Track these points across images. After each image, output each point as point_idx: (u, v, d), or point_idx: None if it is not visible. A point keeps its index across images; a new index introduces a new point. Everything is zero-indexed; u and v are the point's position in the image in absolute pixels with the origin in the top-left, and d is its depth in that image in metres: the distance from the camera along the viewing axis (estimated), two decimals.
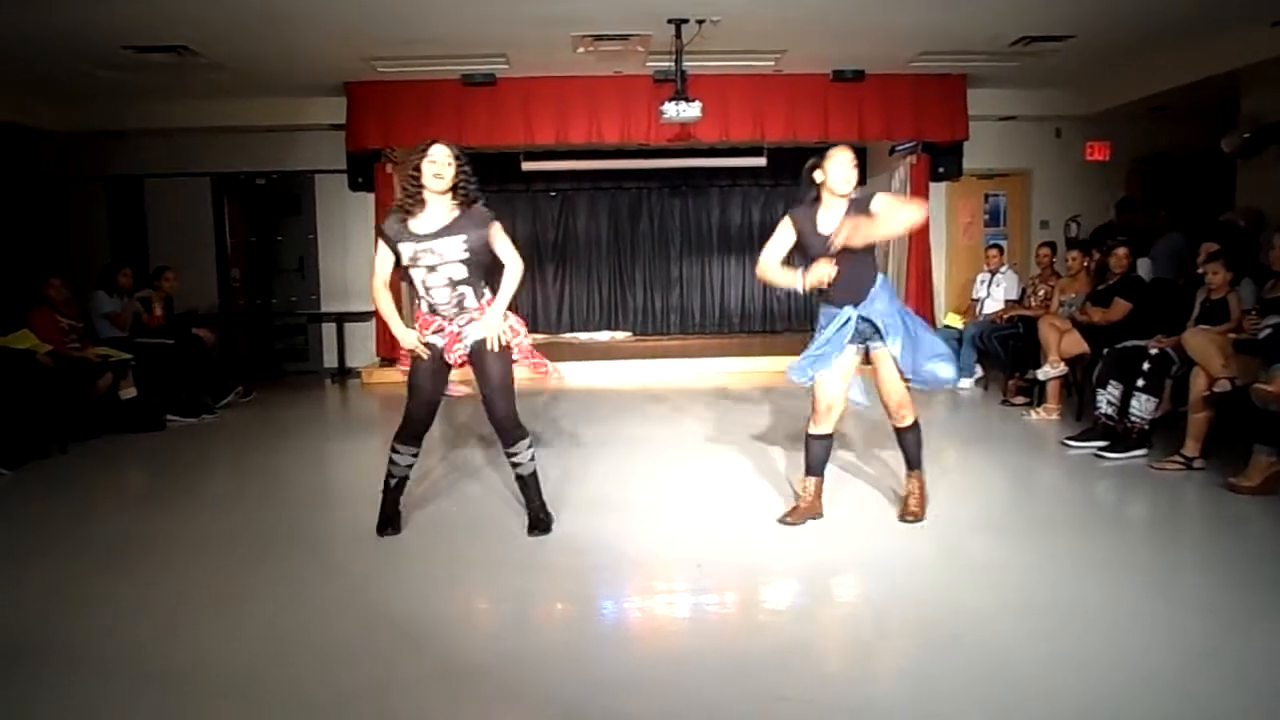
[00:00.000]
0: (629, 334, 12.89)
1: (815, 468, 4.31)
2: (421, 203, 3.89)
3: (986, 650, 2.96)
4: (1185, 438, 5.14)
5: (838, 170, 3.97)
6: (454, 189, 3.89)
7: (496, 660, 3.00)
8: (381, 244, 3.97)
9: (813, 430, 4.25)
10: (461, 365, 4.09)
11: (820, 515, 4.33)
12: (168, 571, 3.88)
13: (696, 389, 8.71)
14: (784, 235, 4.11)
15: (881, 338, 4.05)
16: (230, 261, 10.52)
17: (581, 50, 8.02)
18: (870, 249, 4.05)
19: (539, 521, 4.23)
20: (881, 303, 4.05)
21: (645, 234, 12.98)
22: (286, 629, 3.25)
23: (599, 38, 7.68)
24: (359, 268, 10.15)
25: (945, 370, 4.13)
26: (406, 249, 3.89)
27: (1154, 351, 5.42)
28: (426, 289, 3.96)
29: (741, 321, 12.95)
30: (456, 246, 3.85)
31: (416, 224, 3.91)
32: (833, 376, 4.12)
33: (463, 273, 3.91)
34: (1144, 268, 7.47)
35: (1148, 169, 10.34)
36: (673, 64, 7.83)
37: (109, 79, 8.21)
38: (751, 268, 12.94)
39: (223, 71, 8.20)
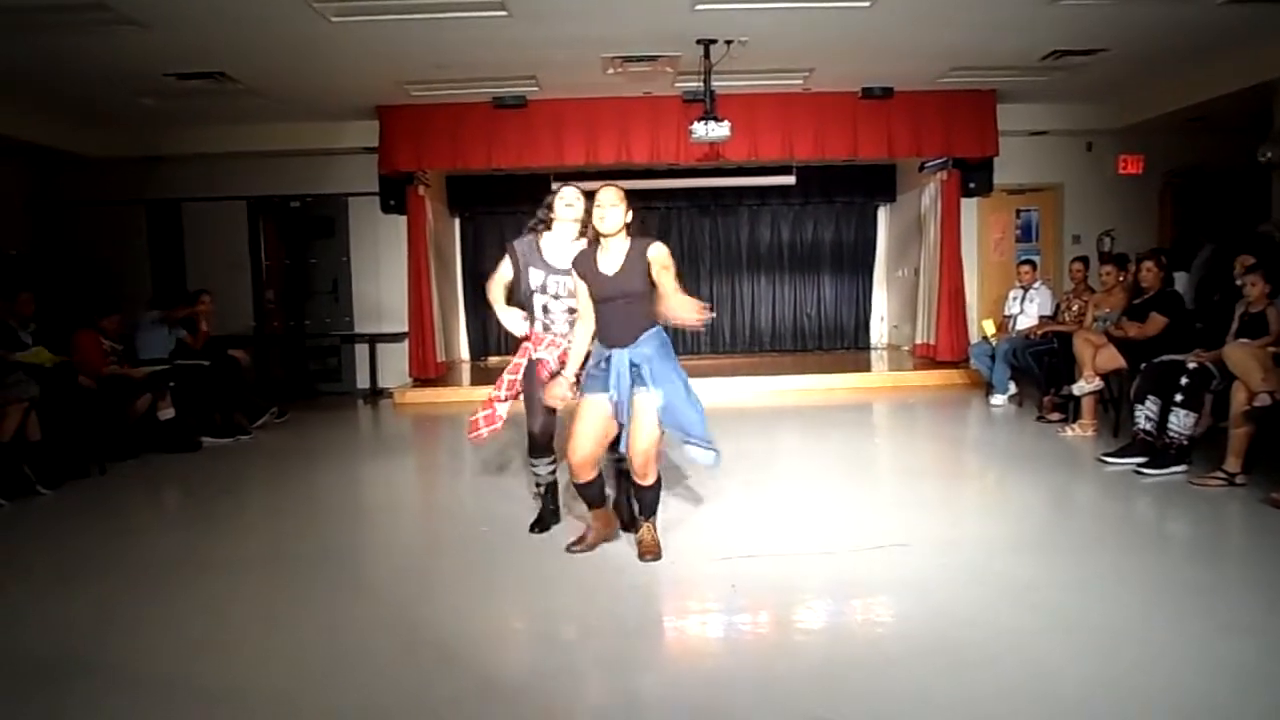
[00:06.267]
0: None
1: (593, 503, 4.16)
2: (550, 230, 4.21)
3: (1024, 671, 2.92)
4: (1226, 453, 5.06)
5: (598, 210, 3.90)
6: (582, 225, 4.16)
7: (533, 679, 3.01)
8: (507, 259, 4.24)
9: (576, 483, 4.03)
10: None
11: (614, 538, 4.29)
12: (206, 591, 3.93)
13: (727, 408, 8.69)
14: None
15: (644, 383, 3.84)
16: (265, 283, 10.70)
17: (611, 72, 8.08)
18: (648, 294, 3.95)
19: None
20: (649, 347, 3.90)
21: (674, 253, 12.91)
22: (324, 649, 3.28)
23: (628, 59, 7.75)
24: (391, 289, 10.29)
25: (697, 426, 3.89)
26: (536, 275, 4.16)
27: (1192, 366, 5.35)
28: (546, 311, 4.23)
29: (772, 340, 12.88)
30: None
31: (551, 254, 4.18)
32: (585, 430, 3.90)
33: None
34: (1182, 283, 7.38)
35: (1180, 182, 10.24)
36: (701, 84, 7.88)
37: (151, 106, 8.41)
38: (782, 287, 13.06)
39: (258, 97, 8.37)
